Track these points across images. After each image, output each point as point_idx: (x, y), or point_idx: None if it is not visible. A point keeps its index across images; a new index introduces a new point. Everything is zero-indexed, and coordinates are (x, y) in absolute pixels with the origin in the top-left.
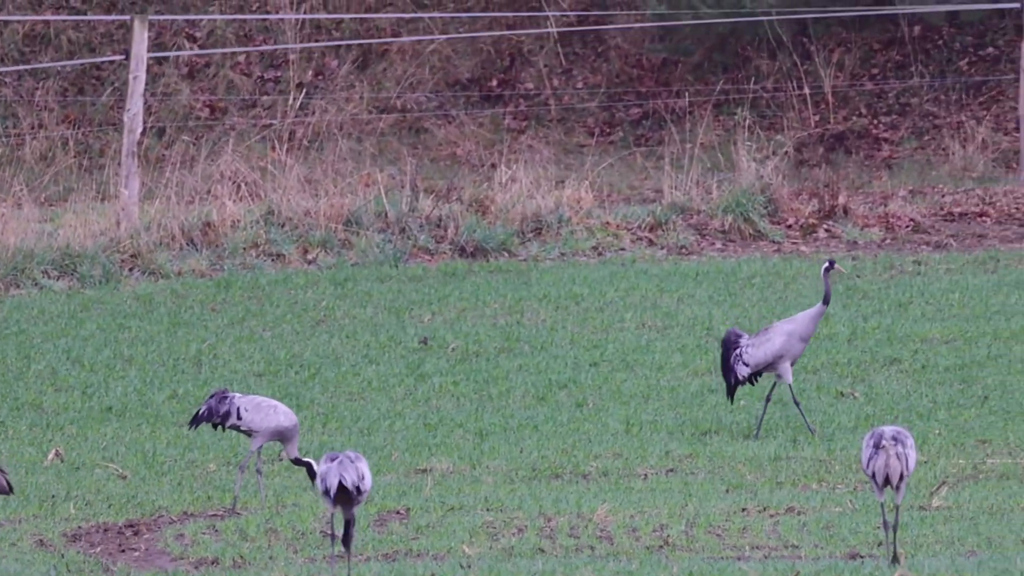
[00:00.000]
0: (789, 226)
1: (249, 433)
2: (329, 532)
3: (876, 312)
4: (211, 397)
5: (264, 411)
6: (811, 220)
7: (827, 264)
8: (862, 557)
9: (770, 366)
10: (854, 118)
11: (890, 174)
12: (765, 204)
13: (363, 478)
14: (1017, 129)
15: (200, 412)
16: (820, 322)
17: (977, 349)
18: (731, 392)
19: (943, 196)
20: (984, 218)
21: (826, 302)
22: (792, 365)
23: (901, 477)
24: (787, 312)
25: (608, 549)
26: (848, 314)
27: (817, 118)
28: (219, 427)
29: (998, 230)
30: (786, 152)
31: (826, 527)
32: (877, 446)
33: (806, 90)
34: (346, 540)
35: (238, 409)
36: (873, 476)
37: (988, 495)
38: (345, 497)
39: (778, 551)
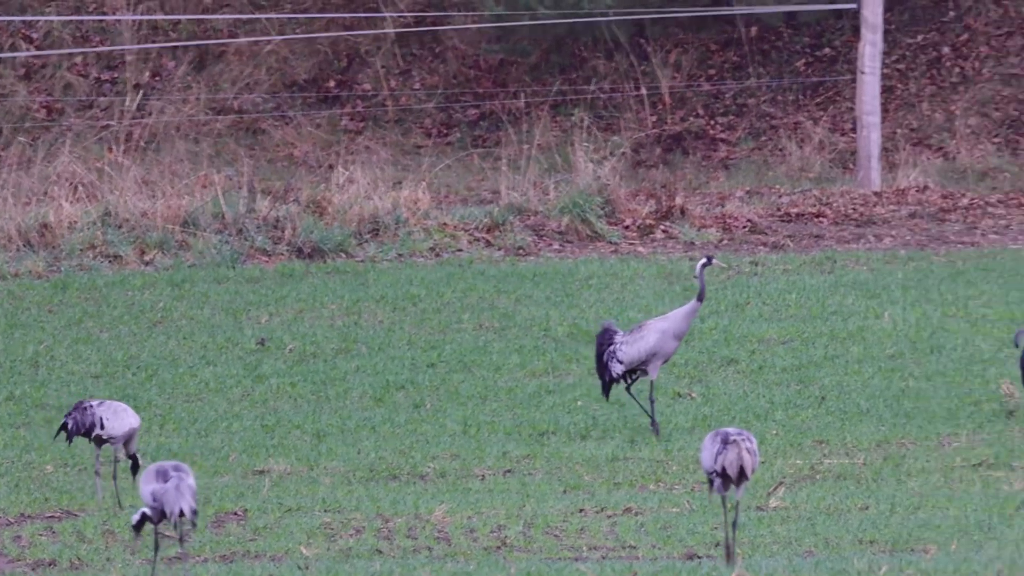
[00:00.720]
0: (626, 227)
1: (110, 440)
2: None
3: (713, 313)
4: (73, 410)
5: (120, 415)
6: (648, 221)
7: (704, 260)
8: (699, 557)
9: (643, 363)
10: (691, 119)
11: (727, 175)
12: (602, 205)
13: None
14: (854, 130)
15: (68, 427)
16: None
17: (814, 349)
18: (606, 390)
19: (780, 197)
20: (821, 219)
21: (700, 299)
22: (664, 363)
23: (751, 471)
24: (624, 313)
25: (446, 550)
26: None
27: (654, 119)
28: (87, 438)
29: (835, 231)
30: (623, 153)
31: (663, 527)
32: (726, 442)
33: (643, 91)
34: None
35: (100, 419)
36: (723, 471)
37: (825, 495)
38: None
39: (616, 551)
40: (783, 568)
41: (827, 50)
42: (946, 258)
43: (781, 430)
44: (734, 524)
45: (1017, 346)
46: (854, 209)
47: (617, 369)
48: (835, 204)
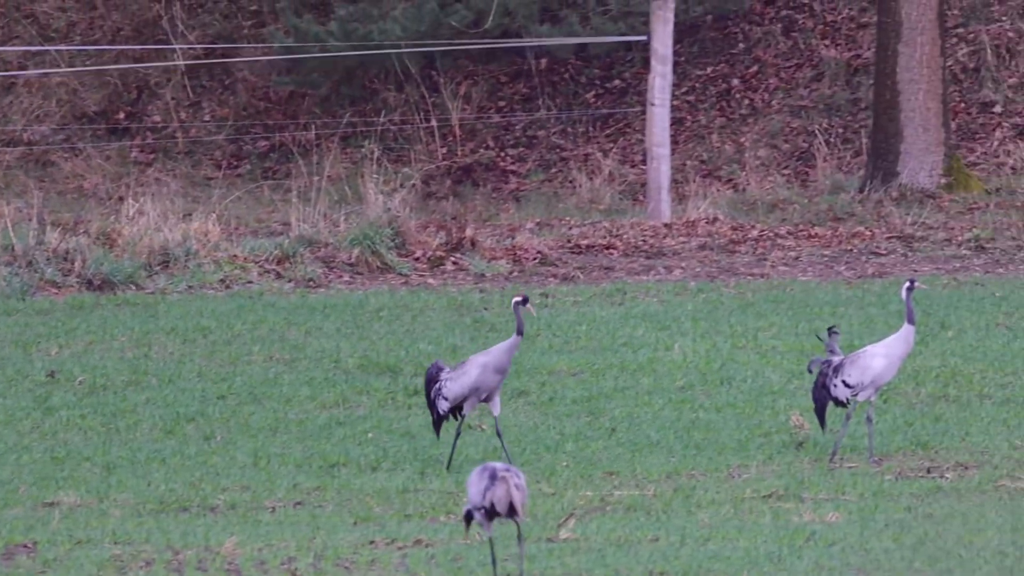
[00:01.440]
0: (417, 259)
1: None
2: None
3: None
4: None
5: None
6: (439, 252)
7: (519, 299)
8: None
9: (473, 398)
10: (481, 150)
11: (517, 206)
12: (392, 237)
13: None
14: (644, 161)
15: None
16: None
17: (604, 381)
18: (436, 426)
19: (570, 228)
20: (611, 250)
21: (519, 334)
22: (484, 400)
23: (521, 507)
24: (415, 345)
25: None
26: (476, 346)
27: (445, 150)
28: None
29: (625, 262)
30: (414, 185)
31: (454, 559)
32: (494, 477)
33: (434, 123)
34: None
35: None
36: (492, 507)
37: (615, 527)
38: None
39: None
40: None
41: (617, 82)
42: (736, 290)
43: (572, 461)
44: (494, 560)
45: (811, 373)
46: (644, 241)
47: (443, 406)
48: (625, 236)
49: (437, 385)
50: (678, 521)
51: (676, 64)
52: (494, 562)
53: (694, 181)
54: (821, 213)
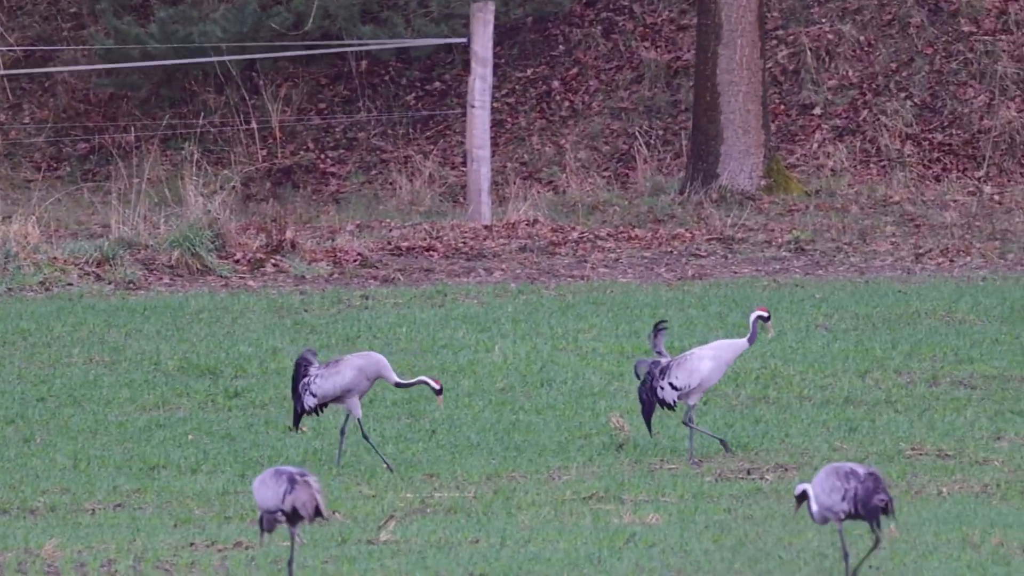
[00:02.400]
0: (237, 261)
1: None
2: None
3: (324, 346)
4: None
5: None
6: (259, 255)
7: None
8: None
9: (338, 399)
10: (301, 152)
11: (338, 208)
12: (213, 239)
13: None
14: (464, 163)
15: None
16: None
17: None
18: (296, 420)
19: (391, 230)
20: (431, 252)
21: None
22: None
23: (325, 510)
24: (235, 347)
25: None
26: (296, 348)
27: (265, 152)
28: None
29: (445, 264)
30: (234, 187)
31: (274, 561)
32: (293, 481)
33: (254, 125)
34: None
35: None
36: (294, 511)
37: (436, 529)
38: None
39: None
40: None
41: (438, 84)
42: (556, 291)
43: (392, 463)
44: (290, 562)
45: (638, 377)
46: (464, 243)
47: (310, 402)
48: (446, 238)
49: (306, 380)
50: (498, 523)
51: (496, 66)
52: (290, 563)
53: (514, 183)
54: (641, 215)
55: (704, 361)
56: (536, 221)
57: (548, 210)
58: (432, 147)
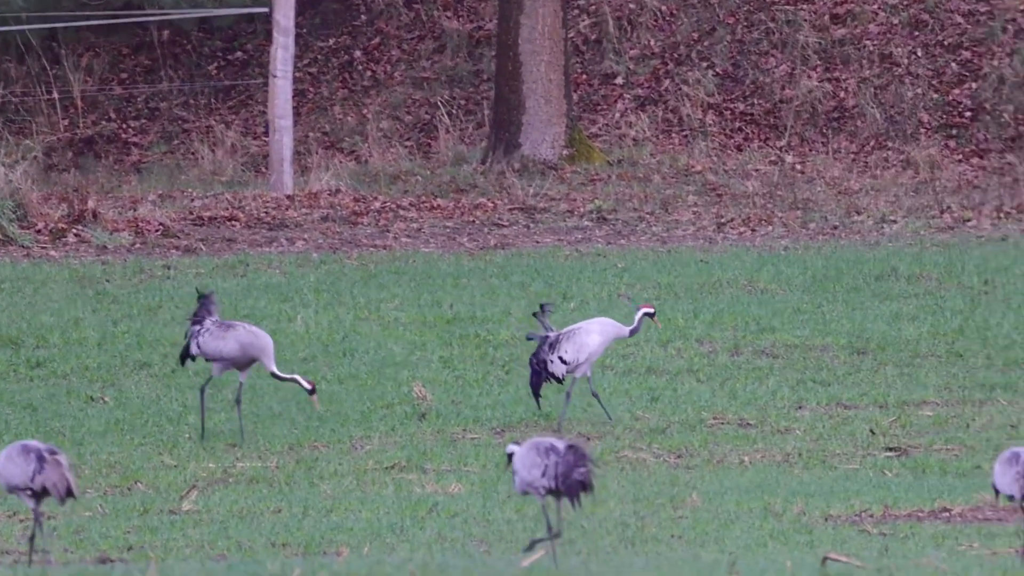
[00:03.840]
0: (39, 231)
1: None
2: None
3: (126, 316)
4: None
5: None
6: (61, 225)
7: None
8: (112, 561)
9: (214, 360)
10: (103, 123)
11: (140, 178)
12: (14, 209)
13: None
14: (266, 133)
15: None
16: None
17: None
18: (183, 359)
19: (193, 200)
20: (234, 222)
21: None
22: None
23: (75, 491)
24: (37, 317)
25: None
26: (98, 318)
27: (67, 123)
28: None
29: (247, 234)
30: (35, 157)
31: (76, 531)
32: (42, 459)
33: (55, 95)
34: None
35: None
36: (44, 490)
37: (238, 499)
38: None
39: (26, 555)
40: (196, 572)
41: (240, 54)
42: (358, 261)
43: (194, 433)
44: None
45: (530, 340)
46: (267, 213)
47: (194, 349)
48: (248, 208)
49: (198, 328)
50: (300, 493)
51: (298, 36)
52: (32, 539)
53: (317, 153)
54: (444, 185)
55: (592, 336)
56: (338, 191)
57: (350, 180)
58: (234, 117)
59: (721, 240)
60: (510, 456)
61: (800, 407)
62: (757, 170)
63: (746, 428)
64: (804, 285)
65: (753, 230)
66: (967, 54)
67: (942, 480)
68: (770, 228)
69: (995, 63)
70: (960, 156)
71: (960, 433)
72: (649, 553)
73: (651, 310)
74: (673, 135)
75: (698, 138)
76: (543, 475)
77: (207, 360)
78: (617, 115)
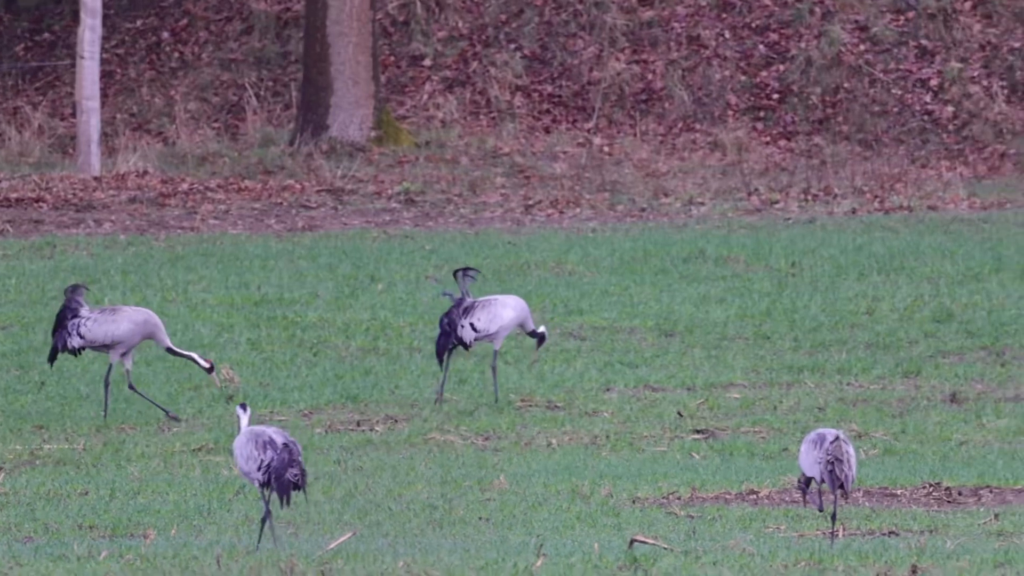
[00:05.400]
0: None
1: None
2: None
3: None
4: None
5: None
6: None
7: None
8: None
9: (107, 348)
10: None
11: None
12: None
13: None
14: (74, 114)
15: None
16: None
17: (34, 335)
18: (52, 357)
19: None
20: (41, 204)
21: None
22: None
23: None
24: None
25: None
26: None
27: None
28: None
29: (55, 215)
30: None
31: None
32: None
33: None
34: None
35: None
36: None
37: (45, 481)
38: None
39: None
40: (2, 554)
41: (47, 35)
42: (166, 243)
43: (1, 416)
44: None
45: (444, 297)
46: (74, 194)
47: (75, 343)
48: (55, 189)
49: (76, 320)
50: (108, 475)
51: (106, 17)
52: None
53: (124, 134)
54: (251, 166)
55: (507, 309)
56: (146, 172)
57: (158, 161)
58: (41, 98)
59: (529, 222)
60: (239, 417)
61: (608, 389)
62: (565, 152)
63: (554, 410)
64: (612, 267)
65: (561, 212)
66: (775, 36)
67: (749, 462)
68: (578, 210)
69: (803, 45)
70: (768, 138)
71: (767, 415)
72: (457, 535)
73: (542, 336)
74: (481, 117)
75: (506, 120)
76: (258, 469)
77: (95, 349)
78: (425, 97)
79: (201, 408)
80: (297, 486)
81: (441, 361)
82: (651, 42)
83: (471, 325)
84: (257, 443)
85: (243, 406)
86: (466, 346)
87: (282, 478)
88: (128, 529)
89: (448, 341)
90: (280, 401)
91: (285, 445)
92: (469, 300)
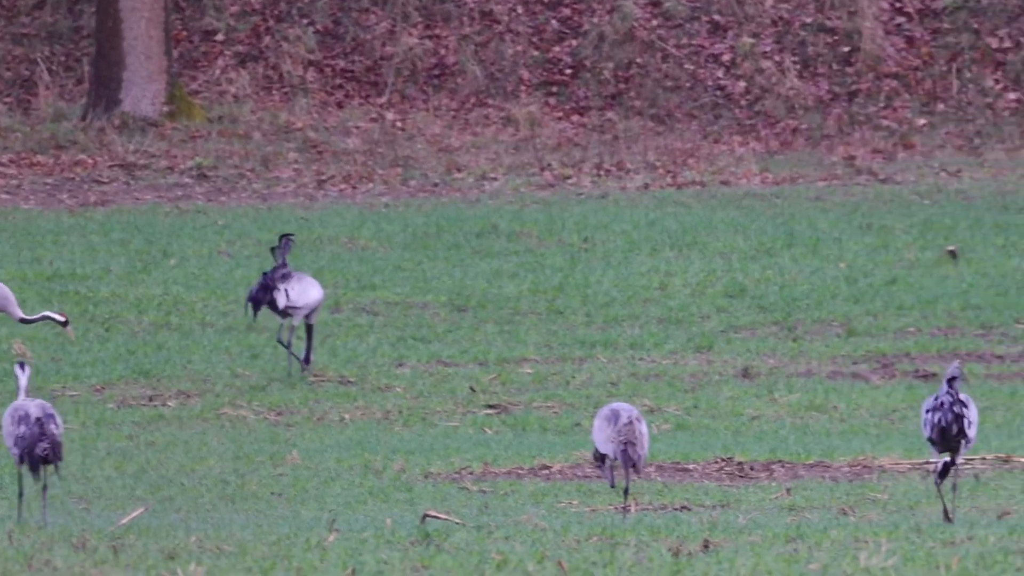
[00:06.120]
0: None
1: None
2: None
3: None
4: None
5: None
6: None
7: None
8: None
9: None
10: None
11: None
12: None
13: None
14: None
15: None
16: None
17: None
18: None
19: None
20: None
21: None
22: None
23: None
24: None
25: None
26: None
27: None
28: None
29: None
30: None
31: None
32: None
33: None
34: None
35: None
36: None
37: None
38: None
39: None
40: None
41: None
42: None
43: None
44: None
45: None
46: None
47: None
48: None
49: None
50: None
51: None
52: None
53: None
54: (43, 141)
55: (315, 288)
56: None
57: None
58: None
59: (322, 197)
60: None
61: (400, 364)
62: (358, 127)
63: (346, 385)
64: (405, 242)
65: (354, 187)
66: (567, 11)
67: (542, 437)
68: (371, 185)
69: (595, 20)
70: (560, 113)
71: (560, 390)
72: (249, 510)
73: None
74: (274, 92)
75: (299, 95)
76: (14, 444)
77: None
78: (218, 72)
79: None
80: (47, 460)
81: (255, 314)
82: (444, 17)
83: (286, 292)
84: (13, 417)
85: (21, 364)
86: (279, 313)
87: (33, 452)
88: None
89: (265, 295)
90: (72, 376)
91: (38, 419)
92: (289, 268)
